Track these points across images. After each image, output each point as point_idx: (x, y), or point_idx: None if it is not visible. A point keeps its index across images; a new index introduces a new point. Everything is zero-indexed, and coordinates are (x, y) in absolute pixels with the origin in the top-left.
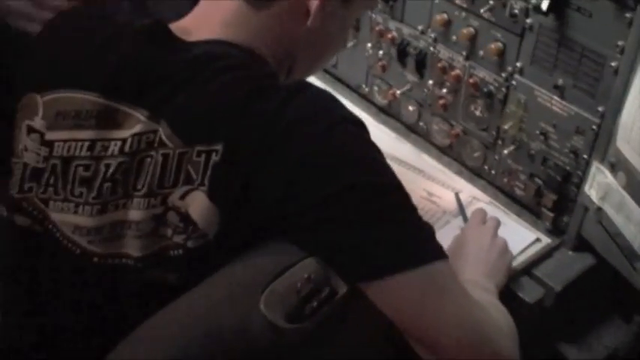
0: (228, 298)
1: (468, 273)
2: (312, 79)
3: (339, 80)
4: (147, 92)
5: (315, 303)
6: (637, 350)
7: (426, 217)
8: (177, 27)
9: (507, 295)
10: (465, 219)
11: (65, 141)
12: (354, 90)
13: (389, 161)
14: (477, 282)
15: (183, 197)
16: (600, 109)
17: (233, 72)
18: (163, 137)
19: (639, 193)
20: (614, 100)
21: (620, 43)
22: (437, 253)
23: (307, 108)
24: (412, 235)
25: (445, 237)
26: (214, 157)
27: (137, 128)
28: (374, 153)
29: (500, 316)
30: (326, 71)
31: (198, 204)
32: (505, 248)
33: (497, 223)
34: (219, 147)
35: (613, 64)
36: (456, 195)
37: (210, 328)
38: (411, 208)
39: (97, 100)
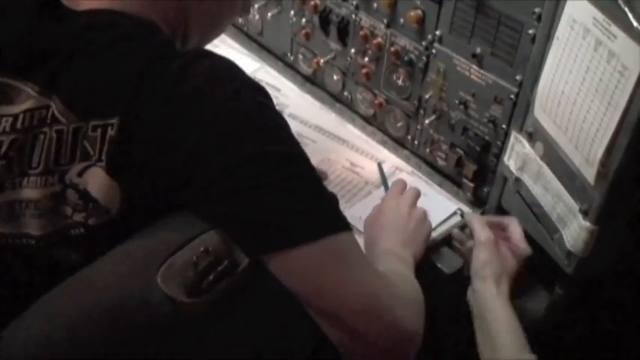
0: (127, 272)
1: (385, 242)
2: (240, 48)
3: (264, 48)
4: (37, 66)
5: (212, 276)
6: (559, 320)
7: (348, 188)
8: None
9: (427, 265)
10: (387, 189)
11: None
12: (280, 58)
13: (313, 131)
14: (392, 251)
15: (81, 174)
16: (518, 77)
17: (125, 42)
18: (56, 113)
19: (556, 163)
20: (531, 69)
21: (537, 10)
22: (339, 224)
23: (207, 76)
24: (315, 206)
25: (367, 207)
26: (110, 132)
27: (28, 104)
28: (277, 121)
29: (405, 286)
30: (252, 39)
31: (97, 180)
32: (423, 218)
33: (417, 193)
34: (114, 121)
35: (530, 31)
36: (379, 165)
37: (110, 303)
38: (315, 179)
39: None
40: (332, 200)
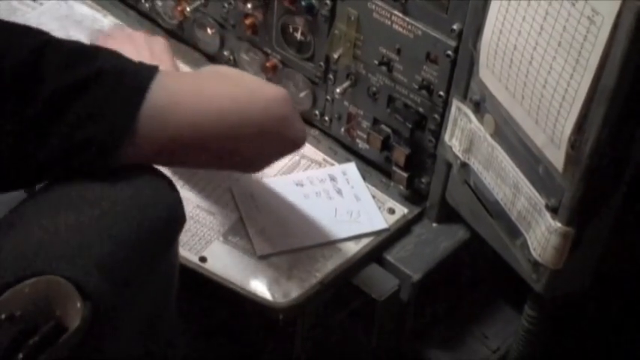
0: None
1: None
2: None
3: None
4: None
5: (22, 355)
6: (534, 347)
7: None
8: None
9: (349, 290)
10: None
11: None
12: (132, 6)
13: None
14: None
15: None
16: (455, 26)
17: None
18: None
19: (513, 142)
20: (472, 15)
21: None
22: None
23: None
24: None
25: None
26: None
27: None
28: None
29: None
30: None
31: None
32: (150, 39)
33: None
34: None
35: None
36: None
37: None
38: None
39: None
40: None
